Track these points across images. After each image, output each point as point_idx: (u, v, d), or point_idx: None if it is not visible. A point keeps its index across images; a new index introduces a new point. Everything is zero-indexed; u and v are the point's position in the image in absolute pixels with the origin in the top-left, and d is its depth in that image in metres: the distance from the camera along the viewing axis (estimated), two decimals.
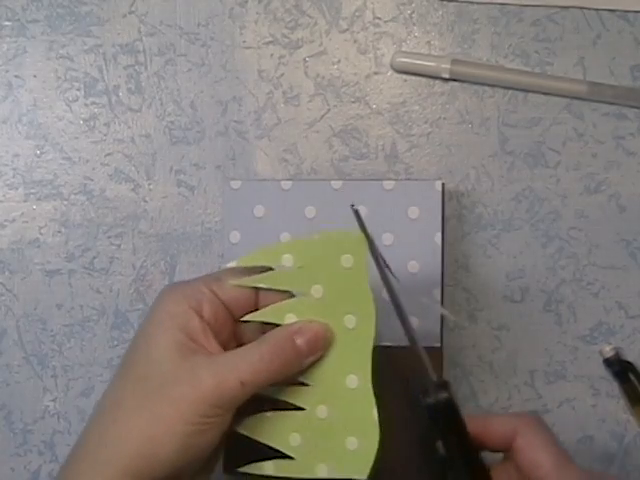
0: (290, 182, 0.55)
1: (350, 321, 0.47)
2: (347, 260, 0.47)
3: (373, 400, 0.46)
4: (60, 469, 0.45)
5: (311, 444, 0.47)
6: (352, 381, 0.47)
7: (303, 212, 0.55)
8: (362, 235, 0.46)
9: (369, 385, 0.46)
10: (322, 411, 0.47)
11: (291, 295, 0.48)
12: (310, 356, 0.46)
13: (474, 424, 0.44)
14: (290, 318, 0.47)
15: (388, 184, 0.54)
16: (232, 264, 0.48)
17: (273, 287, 0.48)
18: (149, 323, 0.46)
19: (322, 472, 0.47)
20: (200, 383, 0.43)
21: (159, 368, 0.44)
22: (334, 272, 0.47)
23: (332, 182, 0.55)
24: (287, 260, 0.48)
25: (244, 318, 0.47)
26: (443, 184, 0.54)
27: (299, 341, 0.45)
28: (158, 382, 0.43)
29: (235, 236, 0.56)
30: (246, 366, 0.44)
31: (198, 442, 0.43)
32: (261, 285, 0.48)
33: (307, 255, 0.47)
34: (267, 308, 0.47)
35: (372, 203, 0.54)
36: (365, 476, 0.46)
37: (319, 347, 0.46)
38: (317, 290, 0.47)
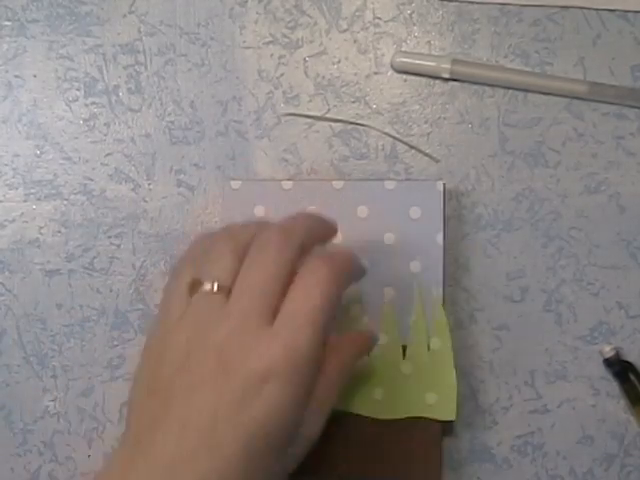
0: (291, 182, 0.55)
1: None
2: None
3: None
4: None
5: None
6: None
7: None
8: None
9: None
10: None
11: None
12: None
13: None
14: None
15: (389, 184, 0.54)
16: None
17: None
18: None
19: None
20: None
21: None
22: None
23: (333, 182, 0.55)
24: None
25: None
26: (444, 184, 0.54)
27: None
28: None
29: None
30: None
31: None
32: None
33: None
34: None
35: (373, 203, 0.54)
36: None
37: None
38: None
